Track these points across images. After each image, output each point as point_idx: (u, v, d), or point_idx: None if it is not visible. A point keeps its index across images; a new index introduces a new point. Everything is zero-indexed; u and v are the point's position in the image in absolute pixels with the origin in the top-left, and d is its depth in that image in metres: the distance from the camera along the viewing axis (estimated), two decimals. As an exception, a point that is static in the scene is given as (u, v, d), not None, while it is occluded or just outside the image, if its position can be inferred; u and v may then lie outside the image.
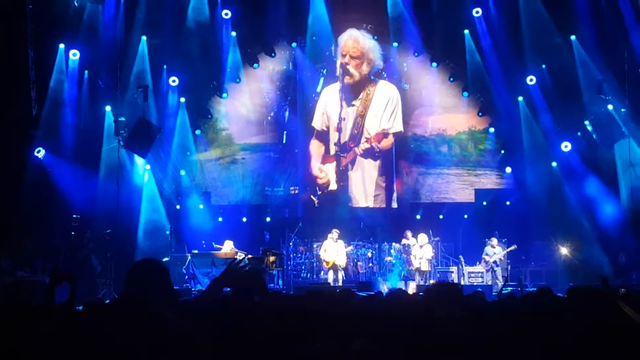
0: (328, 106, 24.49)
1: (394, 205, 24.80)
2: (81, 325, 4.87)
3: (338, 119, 23.70)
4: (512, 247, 22.33)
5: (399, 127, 24.50)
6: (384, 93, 24.50)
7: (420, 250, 22.00)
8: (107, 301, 15.93)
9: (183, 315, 4.53)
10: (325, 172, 24.31)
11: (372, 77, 24.49)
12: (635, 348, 4.40)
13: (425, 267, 21.96)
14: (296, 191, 25.07)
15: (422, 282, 21.56)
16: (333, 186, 24.25)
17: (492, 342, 4.88)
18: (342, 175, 24.14)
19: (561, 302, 6.57)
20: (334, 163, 24.23)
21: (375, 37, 24.52)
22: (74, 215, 21.27)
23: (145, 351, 4.19)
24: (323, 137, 24.65)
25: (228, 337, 4.66)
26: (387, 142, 24.41)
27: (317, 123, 24.74)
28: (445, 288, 5.03)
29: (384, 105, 24.35)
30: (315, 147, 24.75)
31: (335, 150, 24.05)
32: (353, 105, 24.28)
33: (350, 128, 24.18)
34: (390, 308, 5.50)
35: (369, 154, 24.26)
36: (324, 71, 24.83)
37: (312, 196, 24.59)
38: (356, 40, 23.94)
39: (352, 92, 24.30)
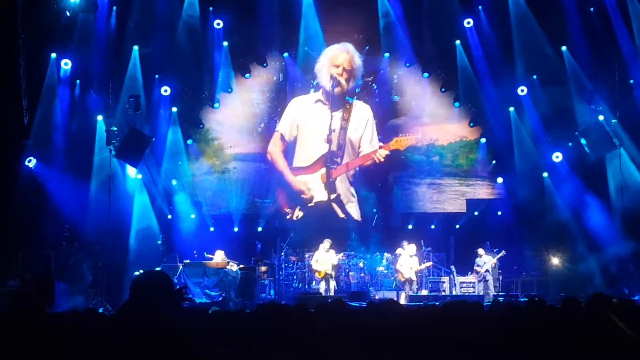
0: (299, 116, 24.17)
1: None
2: (82, 334, 4.87)
3: (328, 130, 23.43)
4: (501, 254, 22.34)
5: (376, 145, 24.04)
6: (362, 112, 24.11)
7: (410, 259, 21.97)
8: (100, 310, 15.92)
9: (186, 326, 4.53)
10: (309, 188, 24.05)
11: (347, 97, 24.03)
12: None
13: (414, 276, 21.91)
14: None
15: (411, 293, 21.55)
16: (323, 197, 23.82)
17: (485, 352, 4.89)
18: (331, 187, 23.75)
19: (554, 312, 6.58)
20: (315, 174, 23.90)
21: (367, 47, 24.52)
22: (66, 225, 21.24)
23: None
24: (288, 146, 24.34)
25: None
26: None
27: (285, 129, 24.38)
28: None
29: (364, 125, 24.00)
30: (278, 149, 24.37)
31: (324, 162, 23.64)
32: (333, 117, 23.72)
33: (336, 138, 23.77)
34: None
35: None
36: (314, 82, 24.73)
37: (286, 209, 24.30)
38: (351, 55, 23.75)
39: (334, 104, 23.71)
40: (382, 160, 22.83)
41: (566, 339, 4.80)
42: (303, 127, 24.08)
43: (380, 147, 23.10)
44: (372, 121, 24.13)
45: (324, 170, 23.45)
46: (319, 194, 23.70)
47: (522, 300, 19.33)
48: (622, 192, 22.11)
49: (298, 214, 23.96)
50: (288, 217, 24.14)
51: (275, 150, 24.28)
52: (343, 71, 23.46)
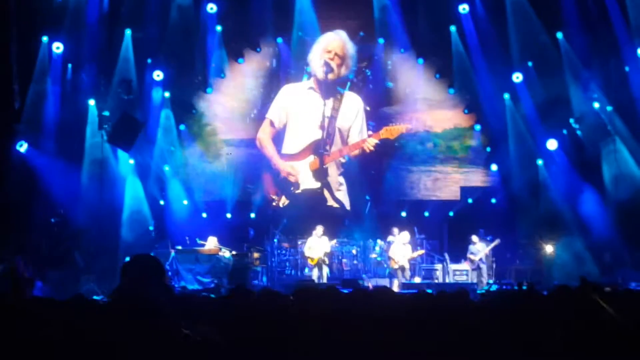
0: (290, 104, 23.67)
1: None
2: (66, 320, 4.76)
3: (322, 117, 23.06)
4: (496, 242, 22.26)
5: (365, 136, 23.64)
6: (353, 103, 23.57)
7: (403, 247, 21.89)
8: (96, 297, 15.83)
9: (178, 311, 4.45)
10: (296, 170, 23.71)
11: (338, 88, 23.53)
12: (613, 344, 4.37)
13: (407, 264, 21.80)
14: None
15: (404, 280, 21.44)
16: (313, 184, 23.47)
17: (477, 341, 4.80)
18: (323, 173, 23.29)
19: (545, 299, 6.51)
20: (303, 161, 23.50)
21: (362, 34, 24.34)
22: (58, 211, 21.16)
23: (140, 347, 4.09)
24: (277, 133, 23.79)
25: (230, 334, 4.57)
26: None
27: (275, 116, 23.73)
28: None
29: (354, 115, 23.60)
30: (267, 136, 23.79)
31: (313, 149, 23.21)
32: (325, 105, 23.32)
33: (326, 126, 23.31)
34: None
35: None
36: (308, 68, 24.48)
37: (273, 195, 23.87)
38: (344, 41, 23.39)
39: (325, 92, 23.08)
40: (372, 149, 22.06)
41: (557, 326, 4.72)
42: (293, 115, 23.74)
43: (369, 136, 22.70)
44: (363, 112, 23.82)
45: (312, 157, 23.05)
46: (307, 181, 23.36)
47: (515, 288, 19.28)
48: (617, 181, 22.05)
49: (284, 201, 23.61)
50: (274, 204, 23.77)
51: (264, 137, 23.91)
52: (335, 56, 23.13)
